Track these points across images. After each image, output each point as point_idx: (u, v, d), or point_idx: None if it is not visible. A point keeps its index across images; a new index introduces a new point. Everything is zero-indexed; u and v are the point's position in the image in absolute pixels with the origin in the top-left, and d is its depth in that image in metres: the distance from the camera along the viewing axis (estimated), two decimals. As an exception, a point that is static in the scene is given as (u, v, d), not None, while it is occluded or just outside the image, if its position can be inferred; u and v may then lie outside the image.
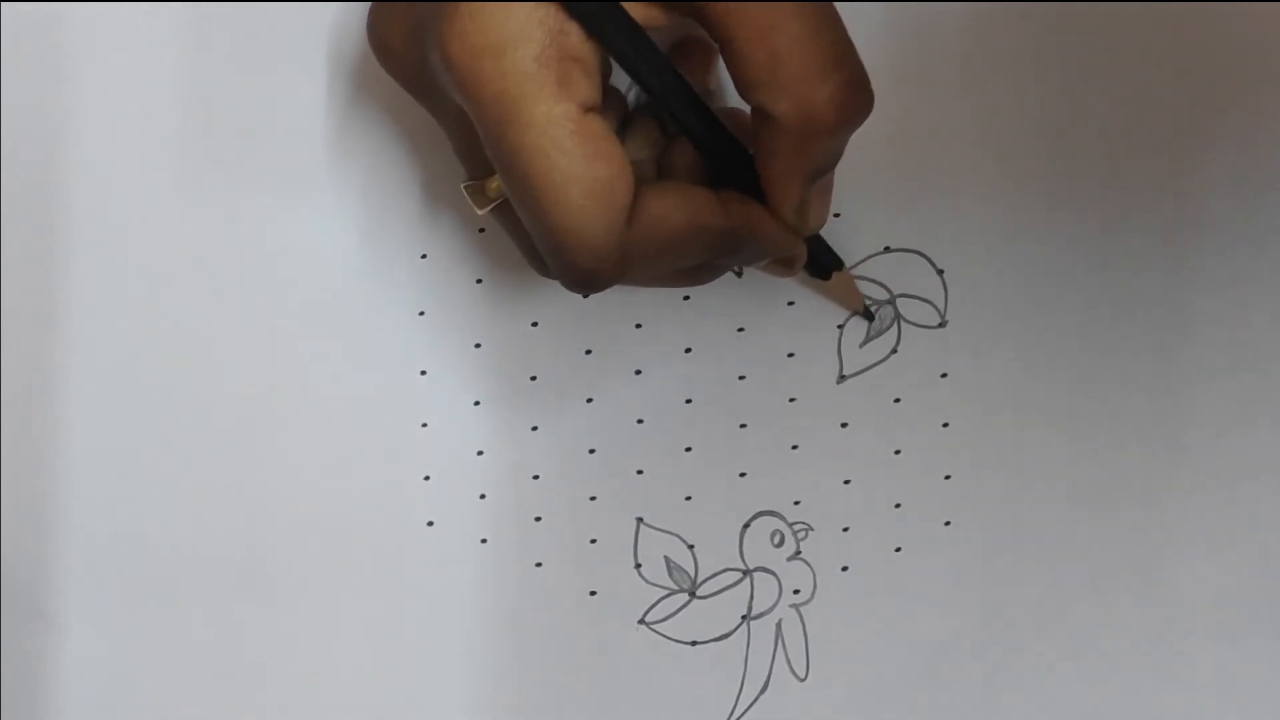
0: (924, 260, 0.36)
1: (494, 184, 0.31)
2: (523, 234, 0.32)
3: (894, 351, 0.36)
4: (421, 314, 0.37)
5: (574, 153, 0.28)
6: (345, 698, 0.37)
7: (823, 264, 0.35)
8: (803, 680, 0.37)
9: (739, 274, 0.37)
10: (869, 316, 0.36)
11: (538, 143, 0.28)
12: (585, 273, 0.29)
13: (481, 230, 0.37)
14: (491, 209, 0.32)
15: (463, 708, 0.37)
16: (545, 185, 0.28)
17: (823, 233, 0.36)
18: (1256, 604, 0.36)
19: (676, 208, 0.30)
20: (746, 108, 0.30)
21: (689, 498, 0.37)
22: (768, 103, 0.29)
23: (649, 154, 0.32)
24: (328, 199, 0.37)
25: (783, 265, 0.33)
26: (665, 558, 0.37)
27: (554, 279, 0.30)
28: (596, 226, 0.28)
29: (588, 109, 0.28)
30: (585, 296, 0.29)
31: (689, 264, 0.31)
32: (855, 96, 0.29)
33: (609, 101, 0.31)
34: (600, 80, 0.29)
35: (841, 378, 0.37)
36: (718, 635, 0.37)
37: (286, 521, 0.37)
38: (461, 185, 0.32)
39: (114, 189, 0.37)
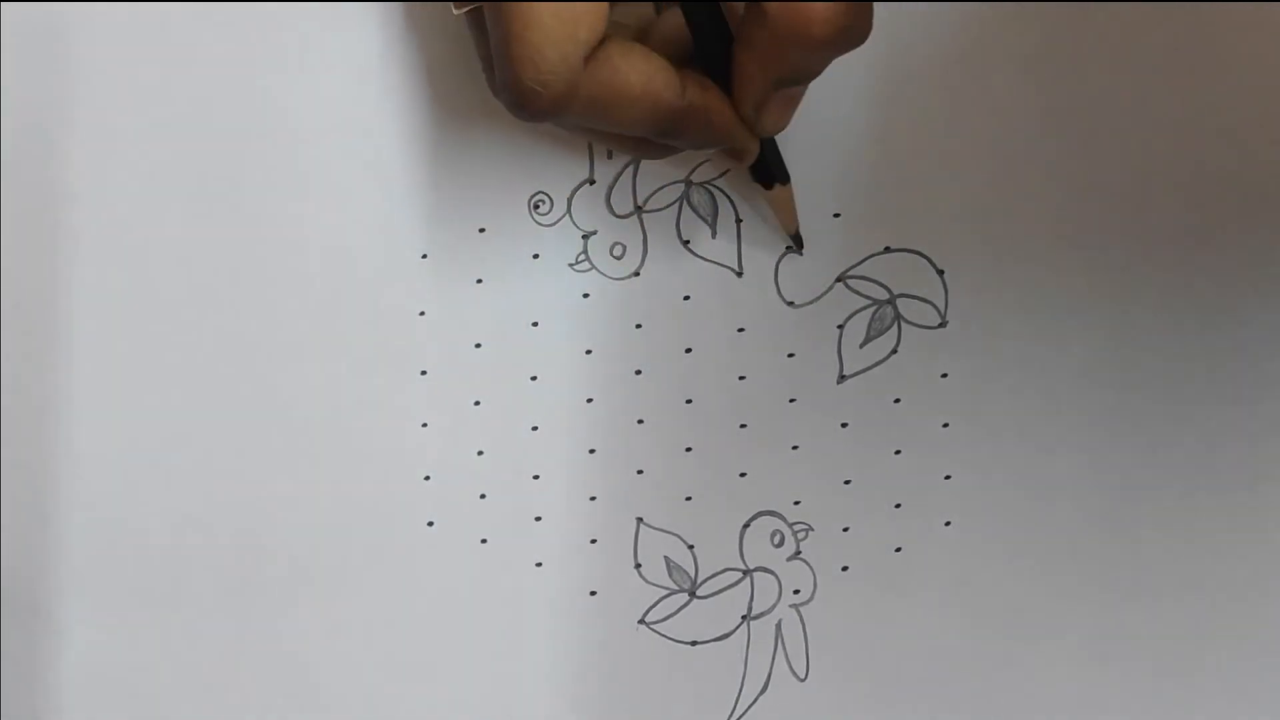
0: (924, 260, 0.36)
1: None
2: (487, 47, 0.32)
3: (894, 351, 0.36)
4: (421, 314, 0.37)
5: None
6: (345, 697, 0.37)
7: (769, 171, 0.35)
8: (803, 680, 0.37)
9: (739, 274, 0.37)
10: (799, 245, 0.36)
11: None
12: (526, 90, 0.29)
13: (481, 230, 0.37)
14: (467, 11, 0.32)
15: (462, 707, 0.37)
16: None
17: (821, 230, 0.36)
18: (1256, 603, 0.36)
19: (636, 69, 0.30)
20: None
21: (689, 498, 0.37)
22: None
23: (637, 24, 0.32)
24: (327, 199, 0.37)
25: (731, 156, 0.34)
26: (665, 558, 0.37)
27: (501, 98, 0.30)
28: (552, 49, 0.29)
29: None
30: (522, 119, 0.30)
31: (633, 130, 0.31)
32: (850, 20, 0.29)
33: None
34: None
35: (841, 378, 0.37)
36: (718, 635, 0.37)
37: (287, 521, 0.37)
38: None
39: (114, 189, 0.37)
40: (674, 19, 0.32)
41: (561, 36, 0.29)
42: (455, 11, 0.32)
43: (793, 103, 0.32)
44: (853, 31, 0.29)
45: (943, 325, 0.36)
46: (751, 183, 0.35)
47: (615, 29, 0.30)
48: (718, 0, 0.31)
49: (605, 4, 0.29)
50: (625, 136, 0.33)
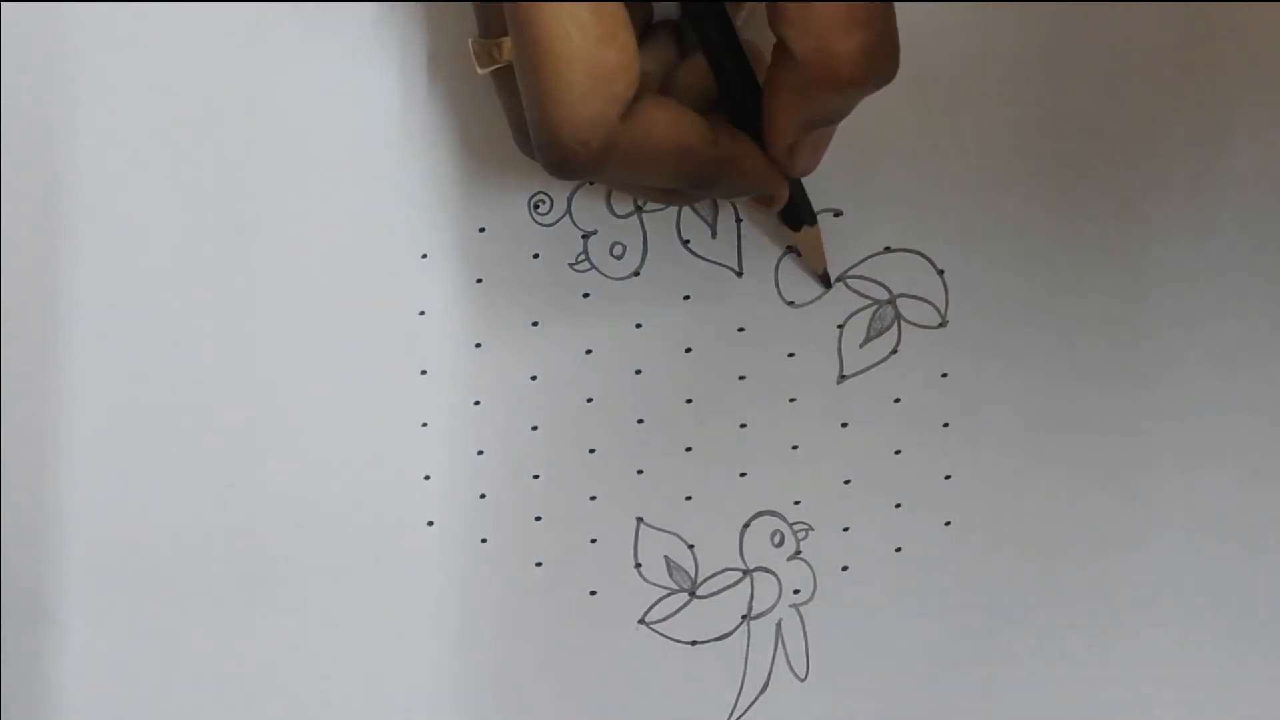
0: (924, 260, 0.36)
1: (504, 47, 0.31)
2: (516, 106, 0.32)
3: (894, 351, 0.36)
4: (421, 314, 0.37)
5: (589, 30, 0.28)
6: (345, 697, 0.37)
7: (797, 213, 0.35)
8: (803, 680, 0.37)
9: (739, 274, 0.37)
10: (827, 284, 0.36)
11: (556, 12, 0.28)
12: (566, 151, 0.29)
13: (481, 230, 0.37)
14: (492, 71, 0.32)
15: (462, 707, 0.37)
16: (552, 54, 0.28)
17: (822, 230, 0.36)
18: (1257, 604, 0.36)
19: (668, 123, 0.30)
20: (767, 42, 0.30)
21: (689, 498, 0.37)
22: (791, 38, 0.29)
23: (660, 70, 0.32)
24: (328, 198, 0.37)
25: (762, 202, 0.34)
26: (665, 558, 0.37)
27: (536, 157, 0.30)
28: (588, 108, 0.28)
29: None
30: (560, 179, 0.30)
31: (667, 184, 0.31)
32: (876, 61, 0.29)
33: (634, 7, 0.31)
34: None
35: (841, 378, 0.37)
36: (718, 635, 0.37)
37: (287, 521, 0.37)
38: (470, 40, 0.32)
39: (114, 189, 0.37)
40: (698, 67, 0.32)
41: (596, 95, 0.28)
42: (480, 70, 0.32)
43: (823, 144, 0.32)
44: (880, 71, 0.29)
45: (943, 325, 0.36)
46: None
47: (644, 81, 0.30)
48: (741, 49, 0.31)
49: (637, 59, 0.29)
50: (656, 188, 0.33)
